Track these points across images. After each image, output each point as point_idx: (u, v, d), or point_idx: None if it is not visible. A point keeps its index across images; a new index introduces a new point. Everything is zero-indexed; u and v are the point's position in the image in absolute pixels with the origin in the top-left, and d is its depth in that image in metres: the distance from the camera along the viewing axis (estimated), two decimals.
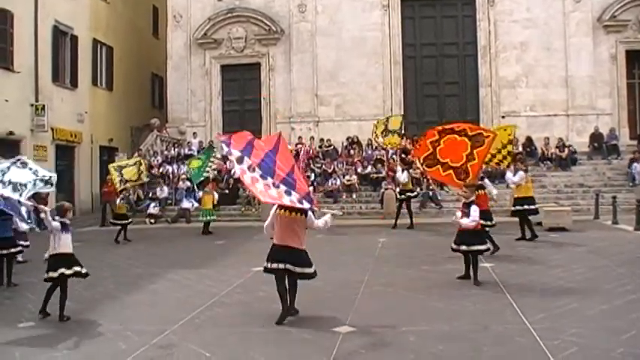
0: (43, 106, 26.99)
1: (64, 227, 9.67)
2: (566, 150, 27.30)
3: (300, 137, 30.18)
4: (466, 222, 10.95)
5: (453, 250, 11.40)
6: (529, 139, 28.13)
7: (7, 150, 25.53)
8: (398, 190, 21.95)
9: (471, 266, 11.15)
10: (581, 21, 29.62)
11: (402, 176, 21.20)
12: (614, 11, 29.43)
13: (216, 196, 22.03)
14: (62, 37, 29.52)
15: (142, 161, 21.40)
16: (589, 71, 29.45)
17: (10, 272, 12.48)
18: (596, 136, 28.15)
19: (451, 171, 12.18)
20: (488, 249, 12.11)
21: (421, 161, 12.70)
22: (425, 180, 24.51)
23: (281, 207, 8.71)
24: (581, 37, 29.58)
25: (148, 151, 29.62)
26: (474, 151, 11.93)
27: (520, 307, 9.11)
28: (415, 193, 22.49)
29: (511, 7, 30.24)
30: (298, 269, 8.74)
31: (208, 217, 21.39)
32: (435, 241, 17.36)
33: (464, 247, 11.15)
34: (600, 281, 10.98)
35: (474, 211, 10.97)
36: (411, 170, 22.93)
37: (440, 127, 12.70)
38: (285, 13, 31.88)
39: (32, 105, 26.88)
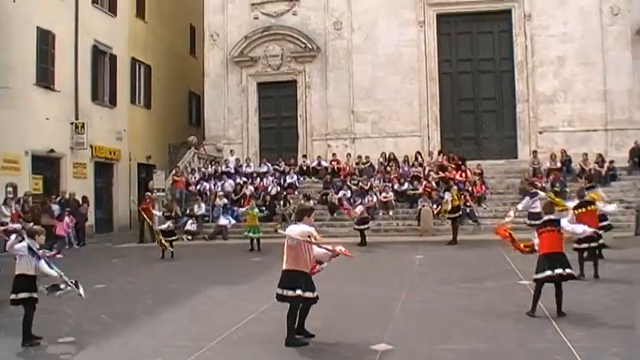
0: (83, 124, 27.42)
1: (31, 250, 9.17)
2: (605, 165, 26.91)
3: (334, 154, 30.23)
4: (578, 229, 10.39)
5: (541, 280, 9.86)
6: (566, 154, 27.77)
7: (47, 167, 26.04)
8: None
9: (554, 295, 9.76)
10: (620, 34, 29.22)
11: (446, 196, 21.69)
12: None
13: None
14: (101, 56, 29.99)
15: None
16: (628, 85, 28.96)
17: None
18: (635, 151, 27.66)
19: None
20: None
21: None
22: (462, 197, 24.33)
23: None
24: (619, 50, 29.17)
25: (185, 168, 29.86)
26: None
27: (560, 325, 8.97)
28: (459, 214, 22.52)
29: (548, 21, 29.97)
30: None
31: (255, 234, 21.30)
32: (473, 258, 17.24)
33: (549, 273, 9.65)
34: None
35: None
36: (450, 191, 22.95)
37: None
38: (321, 31, 32.00)
39: (72, 123, 27.31)
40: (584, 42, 29.56)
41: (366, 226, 22.18)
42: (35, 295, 9.04)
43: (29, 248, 9.15)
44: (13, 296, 9.06)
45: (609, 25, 29.32)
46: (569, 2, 29.82)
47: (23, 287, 9.03)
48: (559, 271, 9.56)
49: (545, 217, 10.11)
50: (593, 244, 13.08)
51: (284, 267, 8.64)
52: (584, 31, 29.60)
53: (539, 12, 30.11)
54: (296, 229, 8.49)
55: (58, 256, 20.39)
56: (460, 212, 22.40)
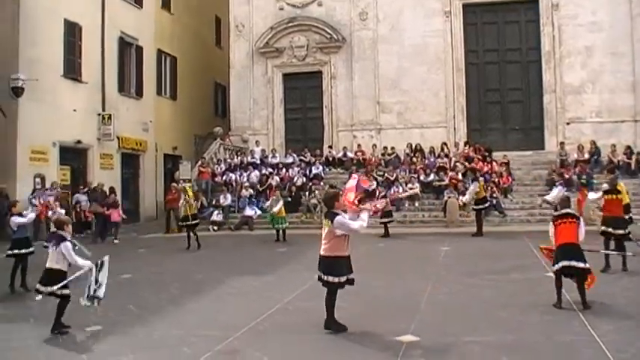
0: (110, 115, 27.63)
1: (57, 240, 9.28)
2: (634, 157, 26.60)
3: (359, 145, 30.20)
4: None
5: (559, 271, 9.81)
6: (595, 146, 27.49)
7: (74, 158, 26.31)
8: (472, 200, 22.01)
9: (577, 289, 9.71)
10: None
11: (472, 186, 21.37)
12: None
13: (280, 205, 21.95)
14: (128, 48, 30.19)
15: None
16: None
17: (24, 274, 12.78)
18: None
19: None
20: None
21: None
22: (489, 188, 24.19)
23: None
24: None
25: (211, 159, 29.98)
26: None
27: (587, 318, 8.89)
28: (487, 204, 22.37)
29: (576, 11, 29.64)
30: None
31: (282, 225, 21.28)
32: (499, 249, 17.15)
33: (565, 263, 9.65)
34: None
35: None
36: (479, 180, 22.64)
37: None
38: (347, 22, 31.93)
39: (99, 114, 27.54)
40: (613, 32, 29.17)
41: (389, 219, 22.05)
42: (53, 288, 9.10)
43: (56, 238, 9.28)
44: (42, 288, 9.15)
45: (638, 14, 28.91)
46: None
47: (51, 280, 9.13)
48: (574, 263, 9.56)
49: (564, 211, 10.07)
50: (619, 232, 12.96)
51: (324, 253, 8.58)
52: (612, 21, 29.20)
53: (567, 1, 29.79)
54: (345, 221, 8.42)
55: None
56: (486, 204, 22.21)
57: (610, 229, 12.87)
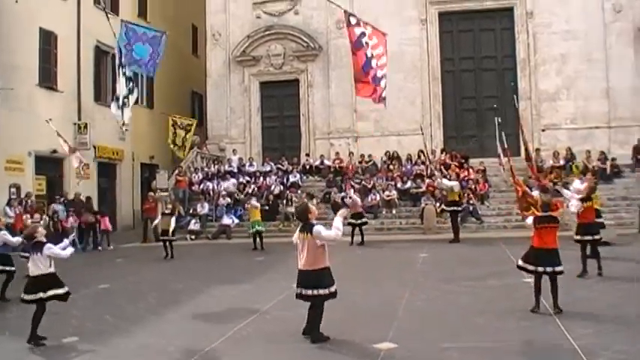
0: (86, 124, 27.52)
1: (35, 249, 9.26)
2: (608, 163, 26.89)
3: (337, 153, 30.23)
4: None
5: (523, 268, 10.25)
6: (570, 152, 27.73)
7: (51, 168, 26.11)
8: (442, 203, 22.01)
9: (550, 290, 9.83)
10: (623, 31, 29.17)
11: (453, 183, 21.35)
12: None
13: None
14: (104, 56, 30.05)
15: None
16: (631, 82, 28.89)
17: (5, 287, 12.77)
18: (639, 148, 27.66)
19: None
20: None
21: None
22: (466, 195, 24.33)
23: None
24: (622, 47, 29.12)
25: (188, 168, 29.88)
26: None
27: (564, 323, 8.96)
28: (462, 207, 22.45)
29: (550, 19, 29.94)
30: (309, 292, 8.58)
31: (257, 228, 20.96)
32: (476, 256, 17.25)
33: (540, 269, 9.88)
34: None
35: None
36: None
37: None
38: (323, 30, 32.03)
39: (75, 124, 27.38)
40: (587, 39, 29.51)
41: (362, 220, 21.36)
42: (51, 293, 9.11)
43: (34, 247, 9.25)
44: (29, 297, 9.11)
45: (612, 22, 29.29)
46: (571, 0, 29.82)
47: (37, 288, 9.09)
48: (549, 269, 9.77)
49: (547, 214, 10.12)
50: (596, 237, 13.22)
51: (307, 267, 8.51)
52: (587, 29, 29.51)
53: (541, 9, 30.08)
54: (323, 230, 8.46)
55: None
56: (460, 207, 22.17)
57: (587, 237, 13.06)
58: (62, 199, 25.03)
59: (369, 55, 19.97)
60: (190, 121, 24.31)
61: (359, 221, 21.15)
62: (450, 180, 22.61)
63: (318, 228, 8.45)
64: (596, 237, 13.21)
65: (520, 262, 10.22)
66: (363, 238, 21.13)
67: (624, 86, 28.95)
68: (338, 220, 8.62)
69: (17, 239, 13.07)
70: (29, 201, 22.93)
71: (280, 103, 33.03)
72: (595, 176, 18.04)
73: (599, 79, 29.36)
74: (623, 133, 28.80)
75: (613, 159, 27.12)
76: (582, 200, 13.27)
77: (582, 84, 29.53)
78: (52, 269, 9.21)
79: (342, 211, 9.20)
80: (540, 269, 9.84)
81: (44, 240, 9.36)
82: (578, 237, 13.13)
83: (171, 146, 23.56)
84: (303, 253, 8.56)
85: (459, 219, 21.85)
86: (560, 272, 9.86)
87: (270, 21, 32.63)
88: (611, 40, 29.26)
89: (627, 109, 29.03)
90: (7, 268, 12.89)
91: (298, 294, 8.63)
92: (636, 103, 28.96)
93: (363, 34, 19.65)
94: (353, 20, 17.52)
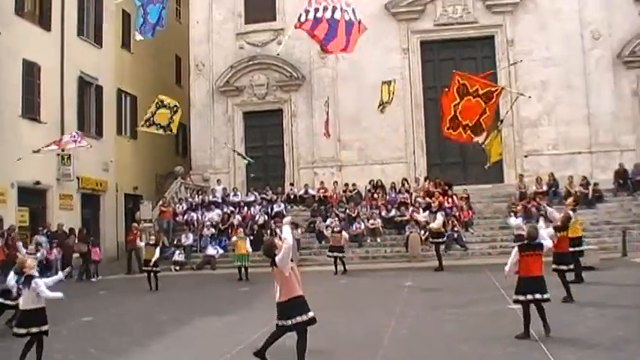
0: (69, 155, 27.32)
1: (25, 283, 9.26)
2: (590, 187, 27.07)
3: (321, 182, 30.25)
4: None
5: (517, 301, 10.11)
6: (553, 178, 27.89)
7: (34, 199, 25.96)
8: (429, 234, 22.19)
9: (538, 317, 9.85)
10: (601, 57, 29.62)
11: (437, 221, 21.35)
12: (633, 47, 29.41)
13: (248, 244, 21.80)
14: (87, 87, 30.03)
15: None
16: (611, 107, 29.32)
17: None
18: (620, 173, 27.88)
19: (469, 131, 14.66)
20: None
21: (447, 125, 14.99)
22: (450, 222, 24.42)
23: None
24: (601, 73, 29.56)
25: (172, 199, 29.79)
26: (486, 107, 14.69)
27: (549, 349, 8.99)
28: (445, 238, 22.53)
29: (530, 46, 30.32)
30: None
31: (244, 263, 21.07)
32: (461, 283, 17.27)
33: (529, 297, 9.85)
34: (632, 322, 10.81)
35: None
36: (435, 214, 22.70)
37: (457, 84, 15.42)
38: (306, 60, 32.20)
39: (58, 155, 27.20)
40: (567, 66, 29.92)
41: (340, 254, 21.40)
42: (44, 328, 9.08)
43: (24, 281, 9.18)
44: (21, 330, 9.07)
45: (590, 49, 29.72)
46: (551, 27, 30.24)
47: (31, 322, 9.04)
48: (538, 296, 9.78)
49: (532, 242, 10.13)
50: (570, 267, 13.74)
51: (281, 299, 8.46)
52: (567, 55, 29.95)
53: (522, 37, 30.52)
54: (279, 254, 8.43)
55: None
56: (444, 238, 22.35)
57: (563, 267, 13.39)
58: (45, 231, 24.87)
59: (321, 16, 17.05)
60: (177, 104, 24.19)
61: (336, 254, 21.26)
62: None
63: (279, 255, 8.40)
64: (570, 267, 13.71)
65: (514, 297, 10.14)
66: (345, 267, 21.23)
67: (604, 111, 29.31)
68: (285, 230, 8.61)
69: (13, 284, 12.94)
70: (12, 234, 22.71)
71: (264, 133, 33.08)
72: (576, 202, 18.00)
73: (579, 105, 29.71)
74: (605, 158, 29.08)
75: (595, 184, 27.31)
76: (557, 229, 13.39)
77: (563, 110, 29.86)
78: (41, 304, 9.16)
79: (287, 219, 9.23)
80: (530, 297, 9.82)
81: (34, 274, 9.29)
82: (554, 266, 13.35)
83: (145, 127, 22.77)
84: (277, 285, 8.55)
85: (442, 248, 21.93)
86: (547, 300, 9.90)
87: (253, 51, 32.80)
88: (590, 66, 29.67)
89: (608, 134, 29.35)
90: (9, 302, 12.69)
91: (280, 327, 8.56)
92: (617, 128, 29.33)
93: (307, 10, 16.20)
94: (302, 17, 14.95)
